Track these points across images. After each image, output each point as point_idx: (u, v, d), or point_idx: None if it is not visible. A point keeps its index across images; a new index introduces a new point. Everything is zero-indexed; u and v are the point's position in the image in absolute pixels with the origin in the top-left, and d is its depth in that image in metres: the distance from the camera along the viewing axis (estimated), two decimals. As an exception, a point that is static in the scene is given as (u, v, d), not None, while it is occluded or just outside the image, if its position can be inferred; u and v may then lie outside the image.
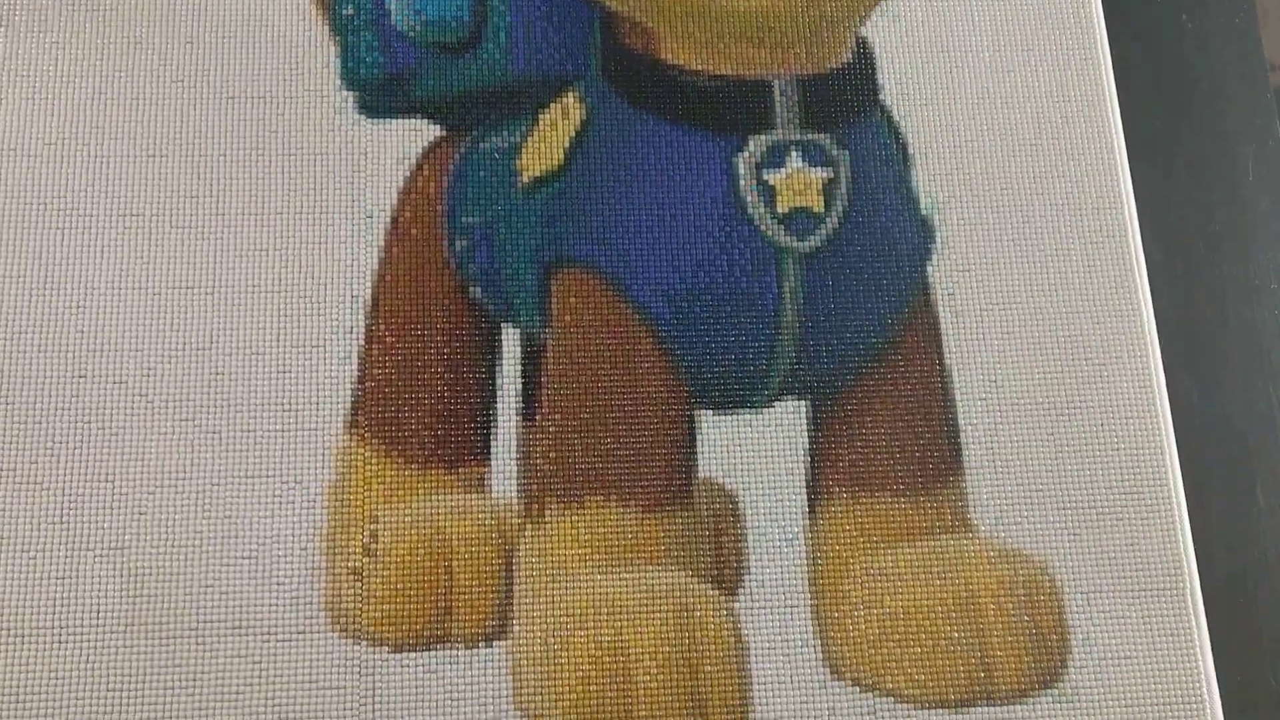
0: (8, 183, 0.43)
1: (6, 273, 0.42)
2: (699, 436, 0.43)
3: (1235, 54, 0.50)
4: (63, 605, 0.39)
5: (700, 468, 0.43)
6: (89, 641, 0.39)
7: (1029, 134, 0.47)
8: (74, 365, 0.41)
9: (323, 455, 0.42)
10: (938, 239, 0.46)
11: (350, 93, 0.45)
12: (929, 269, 0.45)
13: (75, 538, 0.40)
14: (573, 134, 0.46)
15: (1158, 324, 0.46)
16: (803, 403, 0.44)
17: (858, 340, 0.44)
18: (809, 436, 0.44)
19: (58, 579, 0.40)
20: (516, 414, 0.43)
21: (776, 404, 0.44)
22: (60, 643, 0.39)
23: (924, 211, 0.46)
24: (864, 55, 0.48)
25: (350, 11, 0.46)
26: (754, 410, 0.44)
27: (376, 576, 0.41)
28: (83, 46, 0.44)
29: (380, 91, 0.45)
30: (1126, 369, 0.45)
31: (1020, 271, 0.46)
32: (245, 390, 0.42)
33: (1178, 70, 0.50)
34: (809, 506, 0.43)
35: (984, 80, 0.48)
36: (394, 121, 0.45)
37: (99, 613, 0.39)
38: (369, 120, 0.45)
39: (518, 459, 0.42)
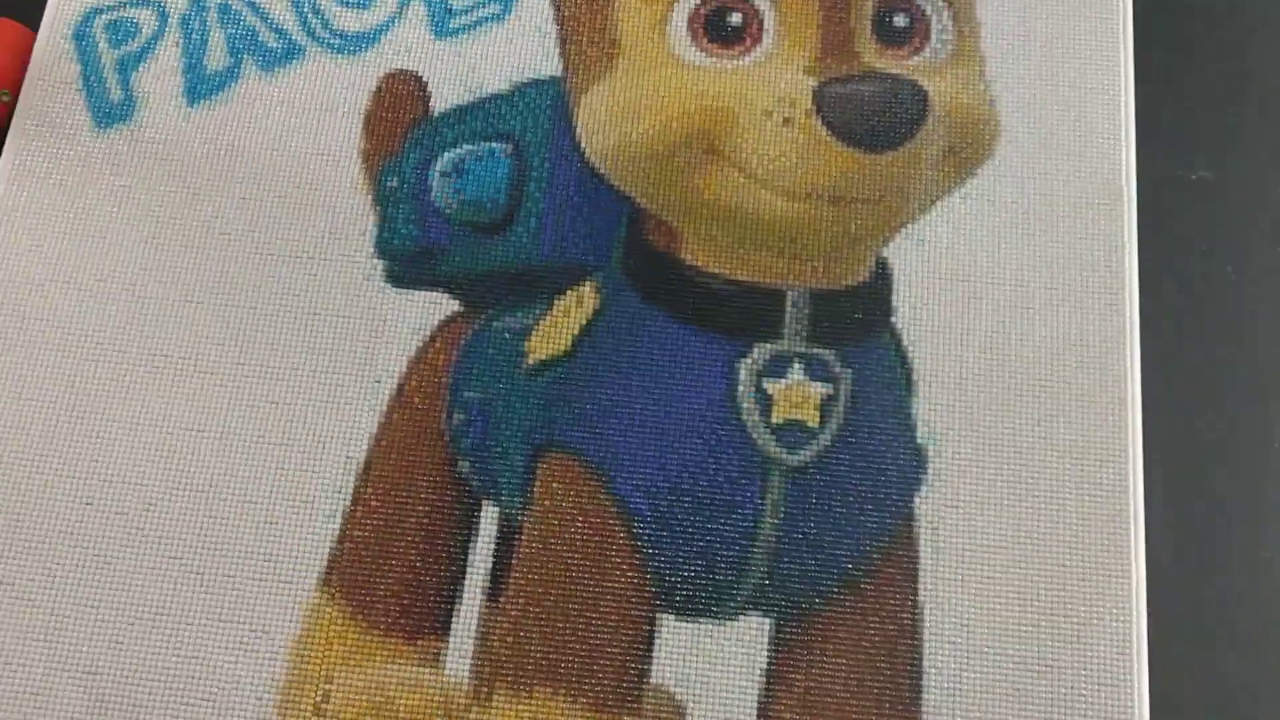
0: (55, 311, 0.47)
1: (37, 394, 0.46)
2: (657, 640, 0.44)
3: (1271, 311, 0.49)
4: (31, 721, 0.42)
5: (654, 672, 0.43)
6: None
7: (1040, 375, 0.47)
8: (82, 491, 0.44)
9: (293, 608, 0.43)
10: (930, 470, 0.46)
11: (381, 261, 0.48)
12: (916, 500, 0.45)
13: (53, 657, 0.43)
14: (584, 322, 0.47)
15: (1149, 591, 0.44)
16: (767, 620, 0.44)
17: (832, 564, 0.44)
18: (768, 656, 0.44)
19: (30, 694, 0.42)
20: (482, 593, 0.44)
21: (740, 617, 0.44)
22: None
23: (919, 440, 0.46)
24: (882, 275, 0.48)
25: (394, 184, 0.49)
26: (717, 621, 0.44)
27: (323, 735, 0.42)
28: (147, 192, 0.48)
29: (409, 263, 0.48)
30: (1107, 635, 0.43)
31: (1010, 516, 0.45)
32: (233, 535, 0.44)
33: (1204, 321, 0.49)
34: (757, 727, 0.43)
35: (1001, 314, 0.47)
36: (416, 293, 0.47)
37: (63, 732, 0.42)
38: (393, 289, 0.47)
39: (476, 638, 0.44)
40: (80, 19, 0.51)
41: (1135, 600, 0.44)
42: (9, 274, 0.47)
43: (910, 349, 0.47)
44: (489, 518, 0.45)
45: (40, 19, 0.51)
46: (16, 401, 0.46)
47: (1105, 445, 0.46)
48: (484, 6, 0.51)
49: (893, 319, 0.47)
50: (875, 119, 0.49)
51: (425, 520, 0.45)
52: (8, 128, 0.49)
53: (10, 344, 0.46)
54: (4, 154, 0.49)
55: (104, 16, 0.51)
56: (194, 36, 0.50)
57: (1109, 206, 0.49)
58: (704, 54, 0.50)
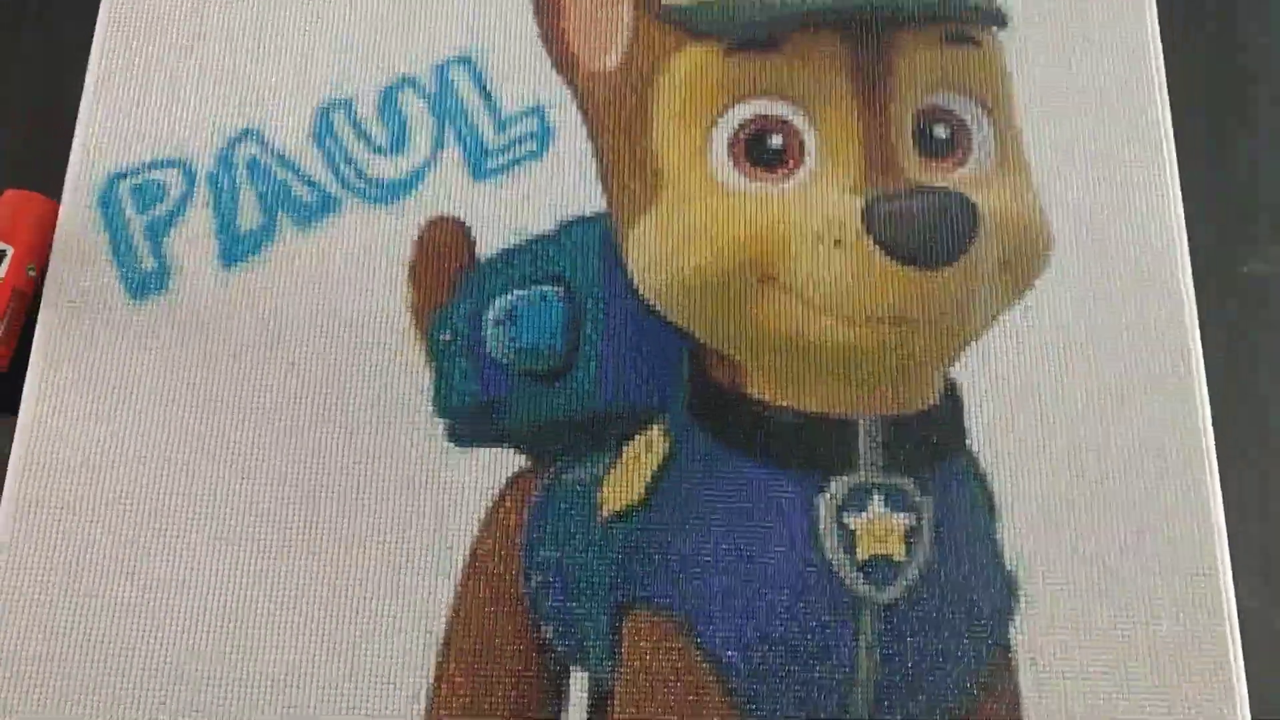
0: (108, 494, 0.45)
1: (96, 586, 0.44)
2: (765, 800, 0.42)
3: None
4: None
5: (764, 834, 0.42)
6: None
7: (1121, 489, 0.46)
8: (155, 692, 0.42)
9: (383, 799, 0.42)
10: (1021, 597, 0.45)
11: (442, 420, 0.46)
12: (1011, 629, 0.44)
13: None
14: (655, 468, 0.46)
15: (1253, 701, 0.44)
16: (874, 768, 0.43)
17: (935, 703, 0.43)
18: (879, 807, 0.42)
19: None
20: (580, 766, 0.42)
21: (847, 768, 0.43)
22: None
23: (1008, 566, 0.45)
24: (953, 397, 0.47)
25: (448, 337, 0.47)
26: (823, 773, 0.43)
27: None
28: (190, 364, 0.46)
29: (471, 420, 0.46)
30: (1218, 753, 0.43)
31: (1108, 640, 0.44)
32: (314, 726, 0.42)
33: (1273, 416, 0.49)
34: None
35: (1075, 430, 0.47)
36: (481, 450, 0.46)
37: None
38: (457, 448, 0.46)
39: (579, 813, 0.42)
40: (104, 185, 0.49)
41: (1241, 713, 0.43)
42: (54, 459, 0.45)
43: (988, 471, 0.46)
44: (578, 684, 0.43)
45: (61, 187, 0.49)
46: (74, 595, 0.43)
47: (1196, 558, 0.45)
48: (520, 145, 0.50)
49: (967, 441, 0.47)
50: (927, 234, 0.48)
51: (513, 693, 0.43)
52: (37, 303, 0.47)
53: (65, 531, 0.44)
54: (37, 332, 0.47)
55: (128, 181, 0.49)
56: (224, 196, 0.49)
57: (1170, 311, 0.49)
58: (747, 179, 0.49)
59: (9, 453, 0.46)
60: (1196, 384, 0.47)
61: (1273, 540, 0.47)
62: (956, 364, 0.48)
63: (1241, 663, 0.44)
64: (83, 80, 0.50)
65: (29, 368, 0.46)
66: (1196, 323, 0.48)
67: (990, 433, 0.47)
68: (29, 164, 0.50)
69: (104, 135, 0.50)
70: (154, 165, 0.49)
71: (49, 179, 0.49)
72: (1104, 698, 0.43)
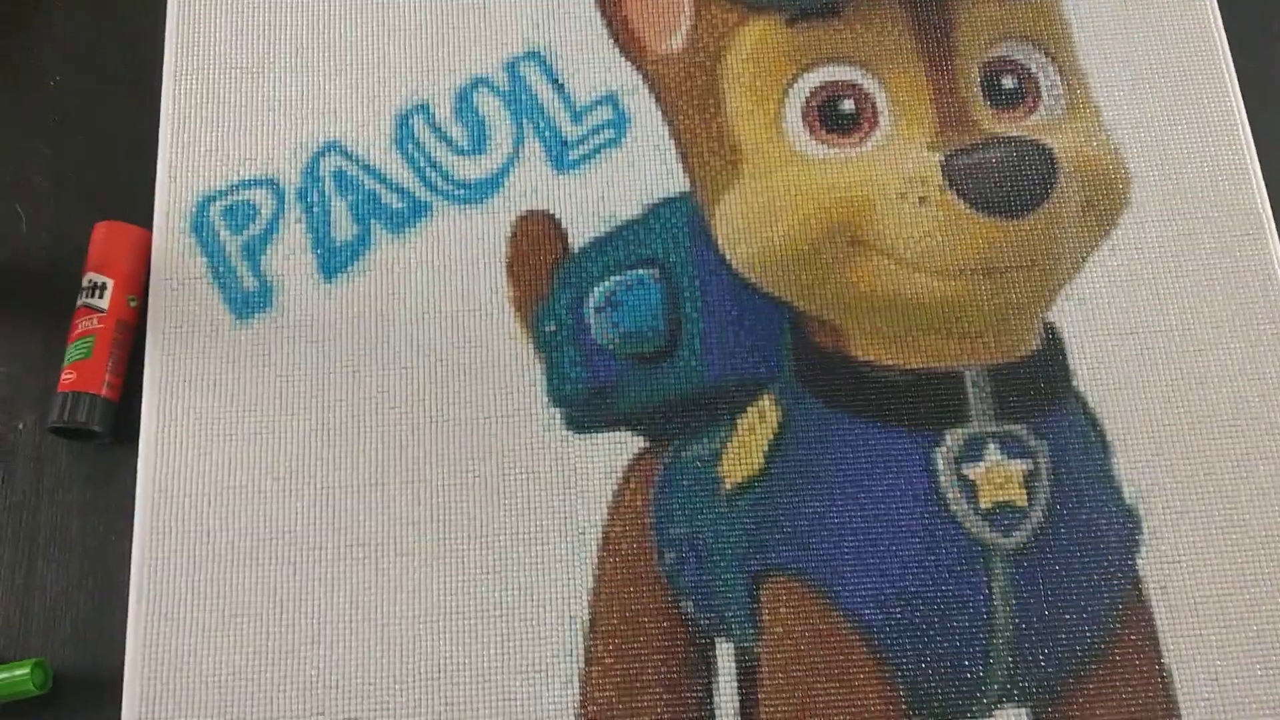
0: (238, 518, 0.45)
1: (240, 609, 0.44)
2: (919, 750, 0.43)
3: None
4: None
5: (922, 783, 0.43)
6: None
7: (1227, 414, 0.47)
8: (312, 703, 0.43)
9: (550, 785, 0.42)
10: (1145, 529, 0.46)
11: (557, 409, 0.47)
12: (1139, 561, 0.45)
13: None
14: (770, 437, 0.47)
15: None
16: (1023, 710, 0.43)
17: (1075, 641, 0.44)
18: (1033, 746, 0.43)
19: None
20: (736, 733, 0.43)
21: (995, 711, 0.44)
22: None
23: (1128, 501, 0.46)
24: (1053, 341, 0.48)
25: (553, 328, 0.48)
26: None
27: None
28: (304, 378, 0.47)
29: (586, 406, 0.47)
30: (1354, 661, 0.44)
31: (1232, 561, 0.45)
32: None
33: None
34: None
35: (1176, 361, 0.48)
36: (599, 435, 0.46)
37: None
38: (576, 435, 0.46)
39: (738, 781, 0.43)
40: (195, 209, 0.49)
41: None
42: (181, 488, 0.45)
43: (1097, 409, 0.47)
44: (725, 654, 0.44)
45: (149, 215, 0.49)
46: (221, 619, 0.44)
47: (1308, 474, 0.46)
48: (598, 134, 0.51)
49: (1073, 382, 0.47)
50: (1008, 184, 0.49)
51: (663, 669, 0.44)
52: (141, 333, 0.48)
53: (199, 561, 0.44)
54: (147, 362, 0.47)
55: (218, 203, 0.49)
56: (315, 210, 0.49)
57: (1251, 233, 0.49)
58: (825, 145, 0.50)
59: (127, 481, 0.46)
60: (1288, 305, 0.48)
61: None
62: (1053, 308, 0.48)
63: (1366, 570, 0.45)
64: (158, 108, 0.51)
65: (144, 398, 0.47)
66: (1278, 240, 0.49)
67: (1094, 371, 0.48)
68: (114, 195, 0.50)
69: (187, 160, 0.50)
70: (242, 186, 0.49)
71: (135, 208, 0.49)
72: (1236, 617, 0.44)
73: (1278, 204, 0.50)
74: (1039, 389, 0.47)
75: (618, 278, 0.49)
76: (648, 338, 0.48)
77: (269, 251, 0.49)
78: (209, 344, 0.47)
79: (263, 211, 0.49)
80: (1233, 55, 0.52)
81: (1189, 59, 0.52)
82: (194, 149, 0.50)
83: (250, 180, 0.50)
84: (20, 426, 0.48)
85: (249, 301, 0.48)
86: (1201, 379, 0.47)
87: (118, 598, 0.45)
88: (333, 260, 0.49)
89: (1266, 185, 0.50)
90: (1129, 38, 0.52)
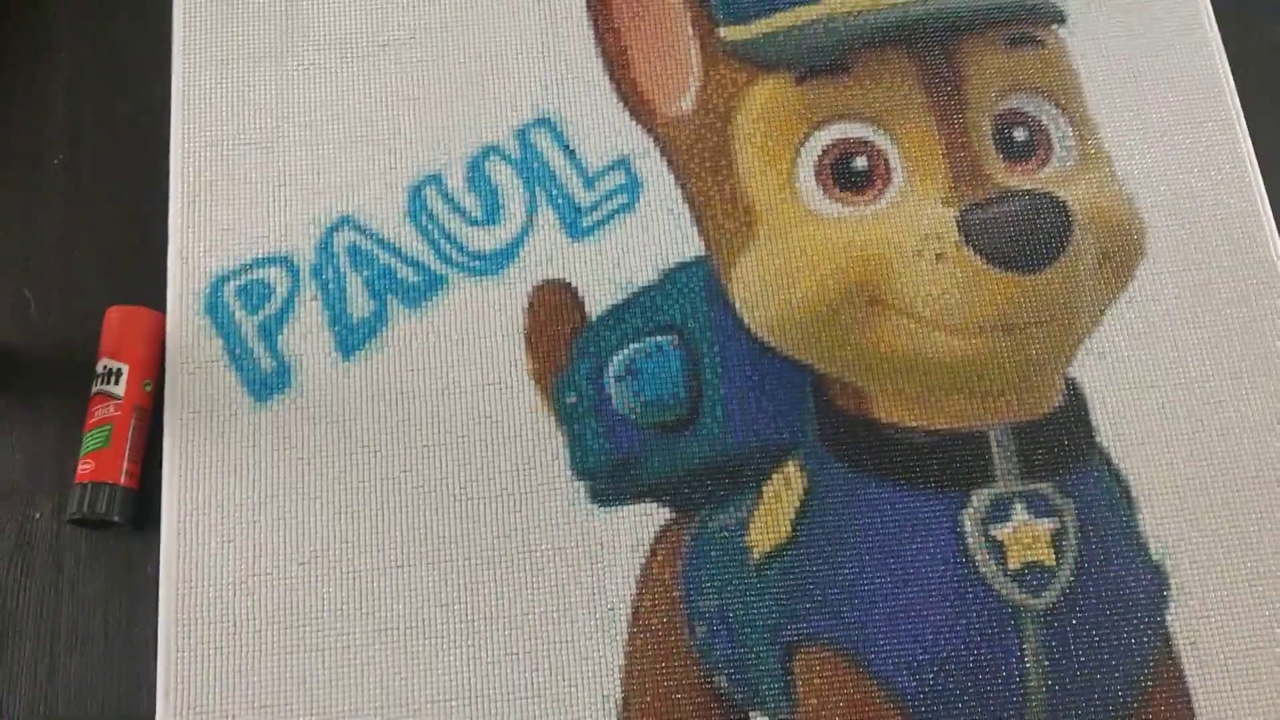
0: (265, 605, 0.45)
1: (270, 699, 0.43)
2: (961, 818, 0.43)
3: None
4: None
5: None
6: None
7: (1250, 467, 0.47)
8: (345, 794, 0.42)
9: None
10: (1172, 585, 0.46)
11: (582, 482, 0.46)
12: (1168, 618, 0.45)
13: None
14: (797, 504, 0.46)
15: None
16: (1060, 773, 0.43)
17: (1109, 701, 0.44)
18: (1070, 809, 0.43)
19: None
20: (777, 810, 0.43)
21: (1033, 775, 0.43)
22: None
23: (1155, 557, 0.46)
24: (1076, 396, 0.48)
25: (574, 399, 0.47)
26: (1012, 784, 0.43)
27: None
28: (325, 459, 0.46)
29: (610, 478, 0.47)
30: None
31: (1260, 615, 0.45)
32: (509, 807, 0.43)
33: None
34: None
35: (1197, 414, 0.48)
36: (625, 508, 0.46)
37: None
38: (601, 509, 0.46)
39: None
40: (209, 290, 0.49)
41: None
42: (205, 576, 0.45)
43: (1121, 465, 0.47)
44: (761, 729, 0.44)
45: (161, 297, 0.49)
46: (251, 710, 0.43)
47: (1332, 525, 0.46)
48: (611, 199, 0.50)
49: (1096, 438, 0.47)
50: (1024, 239, 0.49)
51: (700, 747, 0.43)
52: (158, 418, 0.47)
53: (226, 651, 0.44)
54: (166, 447, 0.47)
55: (232, 283, 0.49)
56: (331, 287, 0.49)
57: (1267, 282, 0.49)
58: (839, 204, 0.50)
59: (149, 570, 0.46)
60: (1307, 353, 0.48)
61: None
62: (1074, 363, 0.48)
63: (1394, 621, 0.45)
64: (166, 187, 0.50)
65: (164, 485, 0.46)
66: (1294, 291, 0.49)
67: (1117, 426, 0.48)
68: (125, 277, 0.50)
69: (198, 240, 0.49)
70: (255, 264, 0.49)
71: (148, 289, 0.49)
72: (1265, 672, 0.44)
73: (1290, 249, 0.50)
74: (1063, 446, 0.47)
75: (637, 345, 0.48)
76: (669, 405, 0.47)
77: (285, 331, 0.48)
78: (228, 428, 0.47)
79: (277, 290, 0.49)
80: (1242, 104, 0.52)
81: (1199, 107, 0.52)
82: (205, 227, 0.49)
83: (264, 258, 0.49)
84: (38, 516, 0.47)
85: (267, 383, 0.47)
86: (1223, 431, 0.47)
87: (145, 690, 0.44)
88: (350, 338, 0.48)
89: None
90: (1138, 86, 0.52)
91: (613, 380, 0.48)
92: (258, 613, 0.45)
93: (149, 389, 0.48)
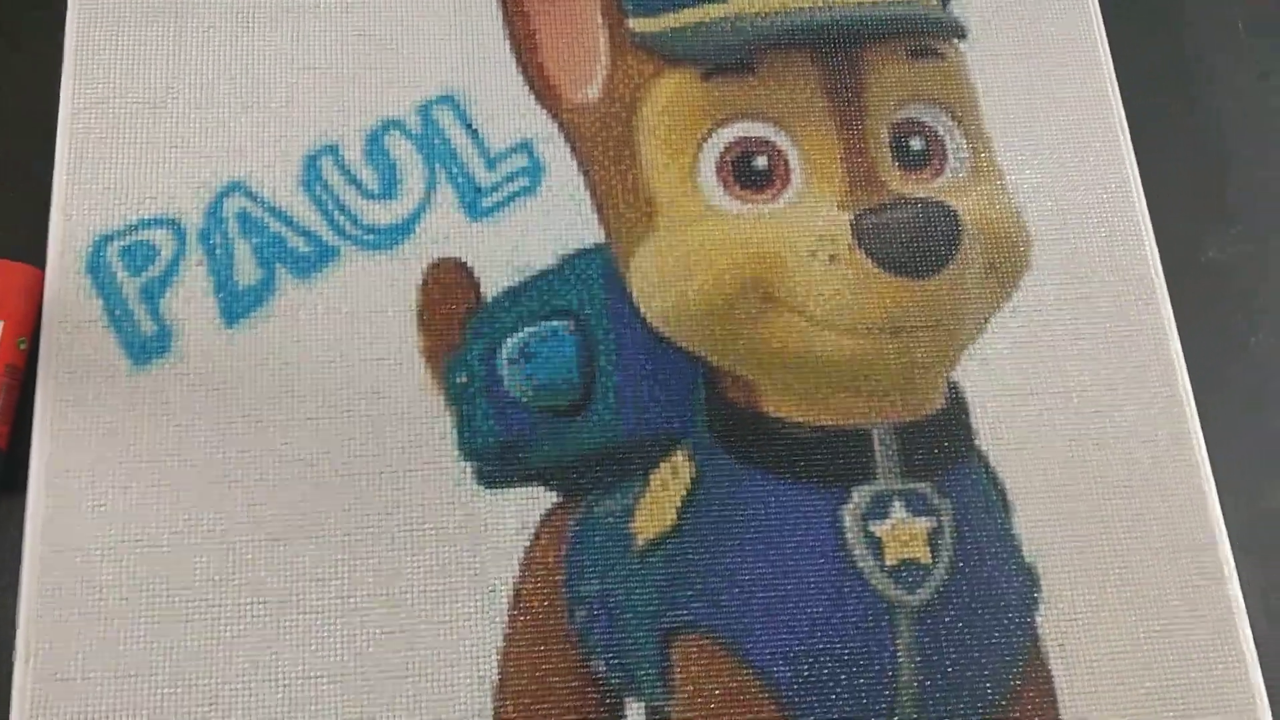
0: (134, 574, 0.43)
1: (134, 668, 0.42)
2: (828, 808, 0.43)
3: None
4: None
5: (831, 841, 0.43)
6: None
7: (1121, 476, 0.48)
8: (207, 769, 0.41)
9: None
10: (1043, 587, 0.47)
11: (468, 463, 0.46)
12: (1038, 619, 0.46)
13: None
14: (684, 493, 0.47)
15: (1261, 661, 0.46)
16: (927, 765, 0.44)
17: (977, 699, 0.45)
18: (935, 801, 0.44)
19: None
20: (647, 795, 0.43)
21: (901, 768, 0.44)
22: None
23: (1027, 559, 0.47)
24: (958, 400, 0.49)
25: (464, 380, 0.47)
26: (880, 776, 0.44)
27: None
28: (204, 427, 0.45)
29: (498, 460, 0.46)
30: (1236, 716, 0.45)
31: (1125, 620, 0.46)
32: (377, 785, 0.42)
33: (1253, 392, 0.52)
34: None
35: (1075, 423, 0.49)
36: (511, 490, 0.46)
37: None
38: (487, 490, 0.46)
39: (651, 844, 0.42)
40: (91, 249, 0.47)
41: (1254, 680, 0.46)
42: (74, 541, 0.43)
43: (998, 468, 0.48)
44: (636, 714, 0.44)
45: (42, 254, 0.47)
46: (115, 680, 0.42)
47: (1194, 533, 0.48)
48: (513, 181, 0.50)
49: (976, 441, 0.48)
50: (915, 245, 0.50)
51: (573, 730, 0.43)
52: (31, 377, 0.46)
53: (90, 617, 0.43)
54: (37, 407, 0.45)
55: (116, 243, 0.47)
56: (218, 252, 0.48)
57: (1144, 298, 0.51)
58: (739, 201, 0.50)
59: (14, 534, 0.44)
60: (1178, 368, 0.50)
61: (1260, 512, 0.50)
62: (957, 368, 0.50)
63: (1248, 628, 0.47)
64: (52, 141, 0.49)
65: (33, 446, 0.44)
66: (1170, 308, 0.51)
67: (996, 431, 0.49)
68: (3, 232, 0.48)
69: (83, 198, 0.48)
70: (141, 225, 0.48)
71: (27, 246, 0.47)
72: (1129, 674, 0.46)
73: (1170, 270, 0.52)
74: (943, 448, 0.48)
75: (532, 329, 0.48)
76: (562, 390, 0.47)
77: (168, 294, 0.47)
78: (104, 390, 0.45)
79: (163, 253, 0.47)
80: (1129, 126, 0.54)
81: (1087, 126, 0.54)
82: (91, 186, 0.48)
83: (150, 220, 0.48)
84: (-105, 473, 0.45)
85: (147, 346, 0.46)
86: (1098, 441, 0.49)
87: (3, 654, 0.43)
88: (235, 305, 0.47)
89: (1159, 251, 0.52)
90: (1030, 104, 0.54)
91: (506, 362, 0.48)
92: (126, 580, 0.43)
93: (23, 347, 0.46)
